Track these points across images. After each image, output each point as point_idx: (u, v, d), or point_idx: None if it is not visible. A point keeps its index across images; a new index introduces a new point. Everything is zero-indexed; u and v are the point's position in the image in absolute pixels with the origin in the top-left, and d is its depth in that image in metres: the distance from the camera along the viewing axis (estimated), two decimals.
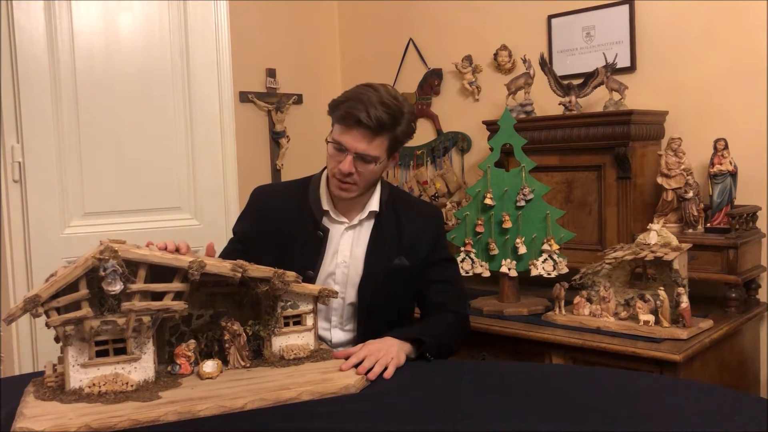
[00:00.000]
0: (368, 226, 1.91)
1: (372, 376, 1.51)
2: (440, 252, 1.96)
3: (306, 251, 1.87)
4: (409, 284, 1.92)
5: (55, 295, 1.33)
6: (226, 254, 1.88)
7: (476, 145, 3.14)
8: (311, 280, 1.85)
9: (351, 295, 1.89)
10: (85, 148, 2.57)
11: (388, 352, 1.60)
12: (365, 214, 1.89)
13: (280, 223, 1.90)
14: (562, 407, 1.32)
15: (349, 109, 1.75)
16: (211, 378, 1.46)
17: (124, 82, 2.62)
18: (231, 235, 1.99)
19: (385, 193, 1.93)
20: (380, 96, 1.80)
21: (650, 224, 2.10)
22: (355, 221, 1.89)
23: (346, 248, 1.90)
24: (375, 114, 1.73)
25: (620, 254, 2.08)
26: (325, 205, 1.89)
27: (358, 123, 1.73)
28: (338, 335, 1.90)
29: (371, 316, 1.88)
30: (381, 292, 1.87)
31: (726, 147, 2.28)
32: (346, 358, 1.57)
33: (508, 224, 2.29)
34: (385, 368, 1.54)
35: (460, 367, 1.62)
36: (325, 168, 1.91)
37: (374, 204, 1.90)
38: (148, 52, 2.66)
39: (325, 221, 1.89)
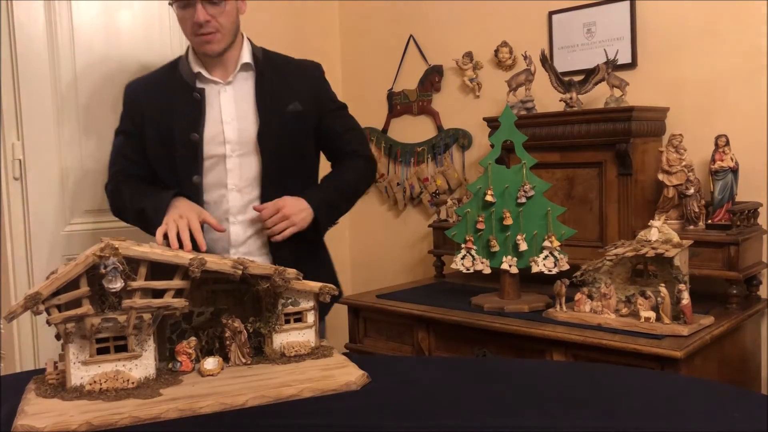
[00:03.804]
0: (248, 81, 1.98)
1: (279, 238, 1.81)
2: (332, 100, 2.09)
3: (186, 117, 1.92)
4: (305, 129, 2.01)
5: (56, 293, 1.33)
6: (116, 149, 2.01)
7: (477, 141, 3.14)
8: (197, 143, 1.92)
9: (249, 150, 1.94)
10: (85, 146, 2.57)
11: (299, 217, 1.86)
12: (239, 67, 1.96)
13: (157, 104, 1.96)
14: (562, 404, 1.32)
15: None
16: (212, 375, 1.46)
17: (125, 79, 2.61)
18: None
19: (258, 51, 2.02)
20: None
21: (651, 221, 2.10)
22: (231, 78, 1.96)
23: (230, 104, 1.95)
24: None
25: (621, 251, 2.08)
26: (196, 68, 1.95)
27: None
28: (236, 199, 1.95)
29: (275, 168, 1.95)
30: (282, 139, 1.95)
31: (727, 143, 2.28)
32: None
33: (508, 221, 2.28)
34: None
35: (461, 363, 1.62)
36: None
37: (246, 56, 1.98)
38: (148, 49, 2.66)
39: (199, 84, 1.95)
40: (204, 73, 1.95)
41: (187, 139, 1.91)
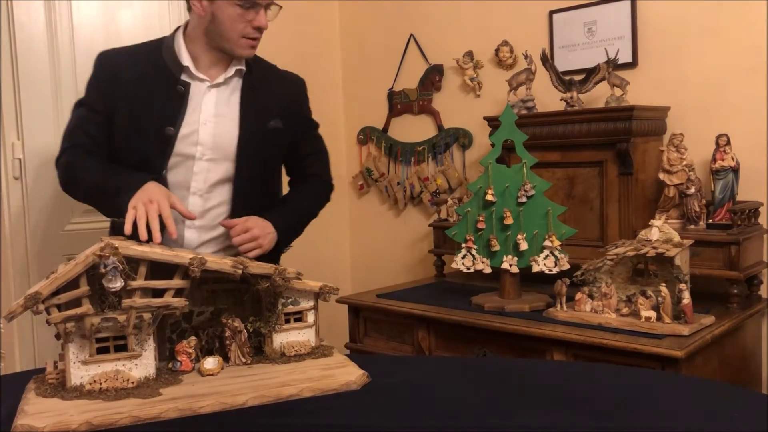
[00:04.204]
0: (235, 86, 1.90)
1: (250, 255, 1.75)
2: (309, 119, 2.08)
3: (165, 108, 1.83)
4: (281, 148, 1.98)
5: (56, 292, 1.33)
6: (78, 122, 1.85)
7: (477, 141, 3.14)
8: (171, 138, 1.82)
9: (220, 157, 1.86)
10: None
11: (266, 240, 1.81)
12: (231, 72, 1.88)
13: (135, 86, 1.84)
14: (563, 404, 1.32)
15: None
16: (212, 375, 1.46)
17: None
18: None
19: (251, 57, 1.92)
20: None
21: (652, 220, 2.10)
22: (221, 79, 1.87)
23: (211, 106, 1.86)
24: None
25: (622, 250, 2.07)
26: (185, 61, 1.86)
27: None
28: (196, 204, 1.86)
29: (245, 181, 1.89)
30: (258, 152, 1.89)
31: (728, 143, 2.28)
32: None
33: (509, 220, 2.28)
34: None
35: (461, 363, 1.62)
36: (179, 28, 1.90)
37: (241, 62, 1.90)
38: None
39: (184, 77, 1.85)
40: (192, 68, 1.86)
41: (161, 131, 1.81)
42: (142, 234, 1.54)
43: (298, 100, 2.03)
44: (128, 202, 1.62)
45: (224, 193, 1.89)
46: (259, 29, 1.81)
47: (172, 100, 1.84)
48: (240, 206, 1.87)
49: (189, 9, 1.85)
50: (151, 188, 1.69)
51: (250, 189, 1.90)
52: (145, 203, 1.61)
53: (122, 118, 1.83)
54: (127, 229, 1.57)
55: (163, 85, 1.84)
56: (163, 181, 1.82)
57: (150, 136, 1.82)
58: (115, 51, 1.95)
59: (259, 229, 1.81)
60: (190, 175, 1.86)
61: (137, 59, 1.89)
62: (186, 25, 1.89)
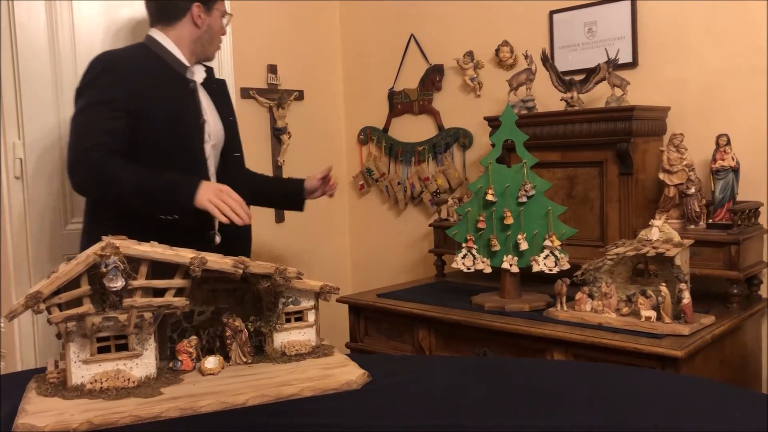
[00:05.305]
0: (204, 85, 2.22)
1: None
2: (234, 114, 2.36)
3: (187, 103, 2.11)
4: (236, 137, 2.32)
5: (57, 292, 1.33)
6: (98, 122, 1.97)
7: (478, 141, 3.14)
8: (202, 127, 2.12)
9: (215, 144, 2.18)
10: None
11: None
12: (204, 72, 2.22)
13: (156, 85, 2.07)
14: (563, 403, 1.32)
15: None
16: (212, 374, 1.46)
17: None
18: None
19: None
20: None
21: (652, 220, 2.10)
22: (200, 79, 2.18)
23: (205, 101, 2.19)
24: None
25: (622, 250, 2.07)
26: (186, 62, 2.15)
27: None
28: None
29: (227, 167, 2.24)
30: (234, 144, 2.29)
31: (728, 143, 2.28)
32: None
33: (509, 220, 2.28)
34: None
35: (461, 363, 1.62)
36: (152, 35, 2.15)
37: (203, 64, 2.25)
38: None
39: (189, 77, 2.15)
40: (191, 69, 2.16)
41: (196, 122, 2.10)
42: (237, 219, 1.89)
43: (229, 99, 2.37)
44: (192, 200, 1.89)
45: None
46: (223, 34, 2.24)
47: (189, 96, 2.12)
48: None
49: (175, 20, 2.12)
50: (210, 184, 1.96)
51: (227, 174, 2.20)
52: (218, 195, 1.90)
53: (160, 114, 2.03)
54: (224, 219, 1.90)
55: (176, 84, 2.11)
56: (205, 164, 2.13)
57: (190, 128, 2.09)
58: (118, 54, 2.12)
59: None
60: (213, 160, 2.18)
61: (144, 61, 2.09)
62: (159, 32, 2.15)
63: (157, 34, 2.14)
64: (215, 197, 1.89)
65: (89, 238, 2.02)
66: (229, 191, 1.93)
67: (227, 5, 2.32)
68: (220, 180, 2.15)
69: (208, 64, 2.28)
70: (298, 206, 2.47)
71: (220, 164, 2.22)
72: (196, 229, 1.99)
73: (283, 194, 2.51)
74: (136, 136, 1.99)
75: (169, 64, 2.11)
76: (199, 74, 2.19)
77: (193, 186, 1.92)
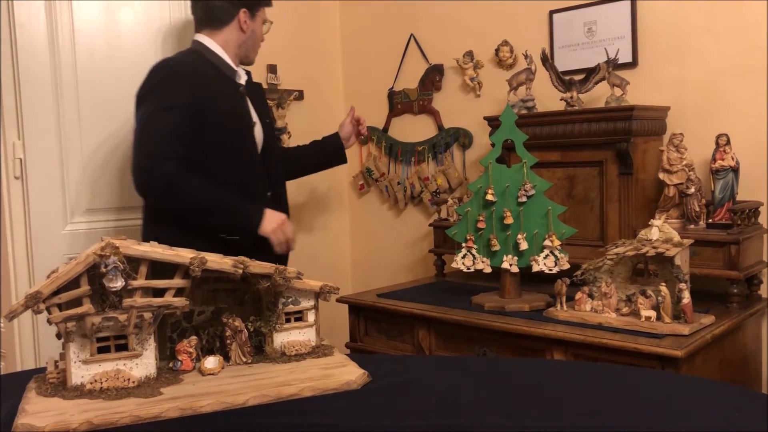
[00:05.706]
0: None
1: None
2: None
3: (241, 108, 2.25)
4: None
5: (57, 292, 1.33)
6: (173, 128, 2.06)
7: (477, 140, 3.14)
8: (254, 128, 2.27)
9: (260, 145, 2.31)
10: (86, 145, 2.57)
11: None
12: (245, 77, 2.32)
13: (216, 88, 2.18)
14: (563, 403, 1.32)
15: None
16: (212, 374, 1.46)
17: (125, 78, 2.61)
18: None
19: None
20: None
21: (652, 220, 2.10)
22: (244, 82, 2.30)
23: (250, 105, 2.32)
24: None
25: (622, 250, 2.07)
26: (235, 67, 2.27)
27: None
28: None
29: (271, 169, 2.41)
30: (273, 146, 2.44)
31: (728, 142, 2.28)
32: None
33: (509, 220, 2.28)
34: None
35: (461, 363, 1.62)
36: (200, 39, 2.25)
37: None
38: (149, 48, 2.66)
39: (237, 80, 2.27)
40: (238, 73, 2.28)
41: (249, 125, 2.25)
42: (286, 250, 2.20)
43: (265, 99, 2.47)
44: (259, 227, 2.11)
45: None
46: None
47: (241, 99, 2.25)
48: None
49: (222, 25, 2.22)
50: (273, 214, 2.16)
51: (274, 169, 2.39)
52: (281, 227, 2.15)
53: (224, 116, 2.15)
54: (281, 251, 2.17)
55: (230, 89, 2.23)
56: (260, 164, 2.29)
57: (245, 130, 2.23)
58: (175, 59, 2.23)
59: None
60: None
61: (201, 66, 2.19)
62: (207, 37, 2.24)
63: (206, 39, 2.22)
64: (279, 228, 2.13)
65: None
66: (287, 223, 2.17)
67: (267, 12, 2.42)
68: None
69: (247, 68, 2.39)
70: (343, 159, 2.67)
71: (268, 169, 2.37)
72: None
73: (325, 155, 2.66)
74: (199, 140, 2.08)
75: (221, 69, 2.20)
76: (243, 78, 2.29)
77: (258, 213, 2.12)
